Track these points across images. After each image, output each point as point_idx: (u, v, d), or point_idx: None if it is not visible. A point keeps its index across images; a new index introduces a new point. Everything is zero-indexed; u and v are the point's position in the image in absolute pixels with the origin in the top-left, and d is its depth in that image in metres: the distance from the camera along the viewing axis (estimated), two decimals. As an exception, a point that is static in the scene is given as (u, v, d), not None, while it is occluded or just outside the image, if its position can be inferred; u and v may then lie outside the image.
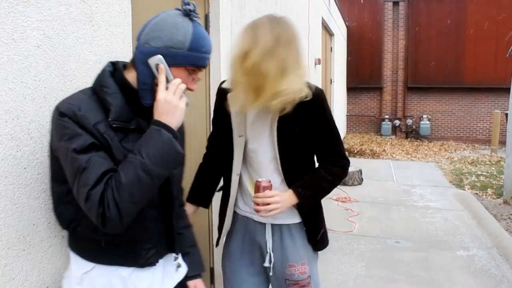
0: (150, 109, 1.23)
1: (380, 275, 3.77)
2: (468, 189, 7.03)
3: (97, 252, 1.27)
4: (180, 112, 1.21)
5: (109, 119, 1.18)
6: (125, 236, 1.25)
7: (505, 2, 12.66)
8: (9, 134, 1.24)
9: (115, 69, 1.28)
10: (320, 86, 1.93)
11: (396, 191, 6.80)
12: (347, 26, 13.59)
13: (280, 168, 1.76)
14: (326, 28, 8.38)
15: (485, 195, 6.64)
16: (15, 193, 1.26)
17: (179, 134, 1.25)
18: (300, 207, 1.79)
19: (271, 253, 1.83)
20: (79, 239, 1.28)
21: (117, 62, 1.31)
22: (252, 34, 1.58)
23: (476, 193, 6.73)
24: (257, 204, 1.67)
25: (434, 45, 13.42)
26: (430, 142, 13.23)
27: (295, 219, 1.83)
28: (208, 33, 2.80)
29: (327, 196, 1.91)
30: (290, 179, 1.77)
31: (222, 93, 1.82)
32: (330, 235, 2.00)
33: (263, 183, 1.67)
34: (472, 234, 4.89)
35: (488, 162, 9.61)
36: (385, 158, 9.93)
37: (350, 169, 6.45)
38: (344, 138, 12.36)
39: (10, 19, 1.23)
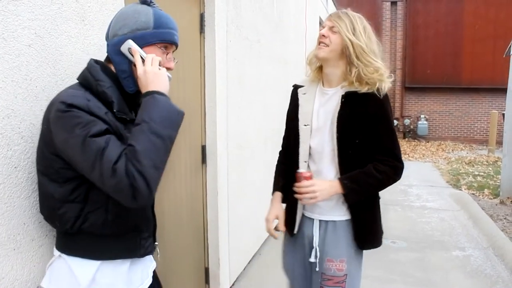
0: (136, 100, 1.29)
1: (375, 275, 3.77)
2: (465, 189, 7.04)
3: (102, 248, 1.26)
4: (163, 78, 1.24)
5: (114, 110, 1.22)
6: (130, 225, 1.30)
7: (502, 2, 12.69)
8: (0, 134, 1.24)
9: (102, 65, 1.29)
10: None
11: (392, 191, 6.80)
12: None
13: (337, 160, 1.81)
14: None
15: (482, 195, 6.64)
16: (6, 192, 1.26)
17: None
18: (350, 205, 1.83)
19: (317, 248, 1.87)
20: (83, 238, 1.25)
21: (98, 60, 1.32)
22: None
23: (473, 193, 6.74)
24: (300, 193, 1.79)
25: (432, 45, 13.44)
26: (428, 142, 13.25)
27: (343, 216, 1.86)
28: (203, 32, 2.81)
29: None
30: (345, 173, 1.81)
31: (295, 93, 1.98)
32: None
33: (303, 174, 1.78)
34: (468, 234, 4.90)
35: (485, 162, 9.63)
36: (383, 158, 9.92)
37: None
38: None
39: (1, 18, 1.22)
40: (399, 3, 13.84)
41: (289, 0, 5.10)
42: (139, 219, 1.32)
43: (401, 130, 13.96)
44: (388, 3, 13.92)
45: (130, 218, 1.28)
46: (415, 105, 14.00)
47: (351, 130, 1.78)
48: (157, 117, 1.15)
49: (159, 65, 1.27)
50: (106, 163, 1.09)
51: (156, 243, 1.46)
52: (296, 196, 1.82)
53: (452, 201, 6.30)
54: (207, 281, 3.12)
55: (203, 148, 2.95)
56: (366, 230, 1.87)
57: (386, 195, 6.50)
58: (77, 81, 1.27)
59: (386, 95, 1.80)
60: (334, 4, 9.12)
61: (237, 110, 3.42)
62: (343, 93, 1.80)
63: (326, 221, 1.87)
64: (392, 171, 1.80)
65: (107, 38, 1.31)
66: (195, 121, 2.84)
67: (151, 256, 1.47)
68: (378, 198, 1.93)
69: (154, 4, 1.31)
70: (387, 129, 1.79)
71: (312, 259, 1.88)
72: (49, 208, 1.25)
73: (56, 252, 1.29)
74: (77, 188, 1.20)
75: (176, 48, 1.38)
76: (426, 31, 13.50)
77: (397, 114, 14.03)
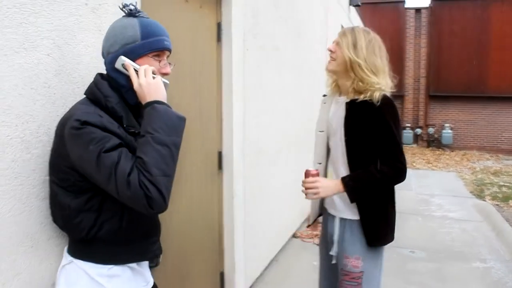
0: (140, 112, 1.34)
1: (392, 284, 3.73)
2: (489, 200, 6.89)
3: (115, 253, 1.33)
4: (158, 87, 1.29)
5: (125, 125, 1.27)
6: (141, 231, 1.37)
7: (531, 9, 12.41)
8: (19, 137, 1.31)
9: (108, 81, 1.34)
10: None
11: (413, 200, 6.72)
12: (368, 34, 13.49)
13: (347, 162, 1.99)
14: (345, 36, 8.32)
15: (507, 207, 6.49)
16: (24, 193, 1.34)
17: None
18: (359, 204, 1.97)
19: (336, 243, 2.05)
20: (95, 244, 1.30)
21: (103, 74, 1.37)
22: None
23: (497, 204, 6.59)
24: (306, 188, 1.96)
25: (457, 52, 13.23)
26: (452, 151, 13.01)
27: (356, 216, 2.00)
28: (220, 40, 2.87)
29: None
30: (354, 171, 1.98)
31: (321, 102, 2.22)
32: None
33: (311, 172, 1.96)
34: (490, 246, 4.79)
35: (511, 173, 9.39)
36: (405, 167, 9.82)
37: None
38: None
39: (22, 29, 1.31)
40: (423, 11, 13.70)
41: (310, 9, 5.15)
42: (148, 225, 1.39)
43: (425, 139, 13.75)
44: (413, 11, 13.80)
45: (141, 224, 1.35)
46: (439, 113, 13.78)
47: (356, 134, 1.94)
48: (158, 126, 1.20)
49: (154, 74, 1.31)
50: (120, 176, 1.14)
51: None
52: (302, 190, 1.99)
53: (475, 212, 6.18)
54: (222, 285, 3.16)
55: (220, 154, 3.01)
56: (372, 228, 1.98)
57: (406, 204, 6.45)
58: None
59: (385, 102, 1.90)
60: (358, 12, 9.11)
61: (255, 117, 3.47)
62: (347, 101, 1.98)
63: (345, 219, 2.03)
64: (392, 171, 1.91)
65: (103, 56, 1.36)
66: (212, 128, 2.90)
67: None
68: (389, 200, 2.04)
69: (140, 14, 1.34)
70: (386, 133, 1.89)
71: (331, 252, 2.07)
72: (64, 217, 1.31)
73: (68, 258, 1.34)
74: (92, 198, 1.26)
75: (170, 53, 1.41)
76: (451, 38, 13.29)
77: (421, 122, 13.83)
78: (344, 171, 2.02)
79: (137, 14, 1.34)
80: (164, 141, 1.19)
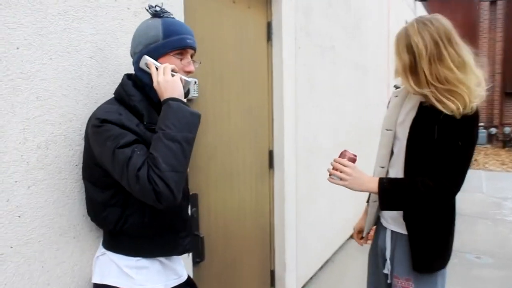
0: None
1: (454, 292, 3.53)
2: None
3: (142, 247, 1.39)
4: (176, 84, 1.31)
5: (145, 122, 1.32)
6: (166, 226, 1.41)
7: None
8: (63, 135, 1.41)
9: (133, 80, 1.40)
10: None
11: (484, 204, 6.29)
12: (439, 29, 12.81)
13: (403, 167, 1.72)
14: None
15: None
16: (67, 187, 1.44)
17: None
18: (405, 219, 1.73)
19: (389, 260, 1.83)
20: (123, 237, 1.38)
21: (131, 74, 1.43)
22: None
23: None
24: (333, 168, 1.68)
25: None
26: (533, 152, 12.01)
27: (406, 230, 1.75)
28: (271, 40, 2.88)
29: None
30: None
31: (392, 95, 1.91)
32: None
33: (348, 153, 1.69)
34: None
35: None
36: (476, 169, 9.30)
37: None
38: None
39: (66, 34, 1.40)
40: (499, 3, 12.78)
41: (370, 5, 5.00)
42: (174, 220, 1.43)
43: (500, 139, 12.82)
44: (487, 3, 12.91)
45: (166, 219, 1.39)
46: (517, 112, 12.81)
47: (419, 142, 1.66)
48: (170, 122, 1.23)
49: (175, 72, 1.34)
50: (131, 171, 1.20)
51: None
52: (328, 170, 1.70)
53: (556, 218, 5.66)
54: (272, 283, 3.17)
55: (271, 153, 3.02)
56: (421, 249, 1.71)
57: (476, 208, 6.06)
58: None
59: (467, 116, 1.57)
60: (424, 6, 8.70)
61: (307, 115, 3.44)
62: (423, 100, 1.68)
63: (397, 233, 1.80)
64: (438, 190, 1.60)
65: (131, 56, 1.42)
66: (262, 127, 2.92)
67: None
68: (444, 218, 1.73)
69: (164, 14, 1.38)
70: (452, 150, 1.59)
71: (385, 271, 1.85)
72: (94, 211, 1.40)
73: (102, 250, 1.43)
74: (117, 194, 1.33)
75: (195, 51, 1.43)
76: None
77: (495, 121, 12.91)
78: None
79: (162, 15, 1.38)
80: (175, 137, 1.22)
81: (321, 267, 3.97)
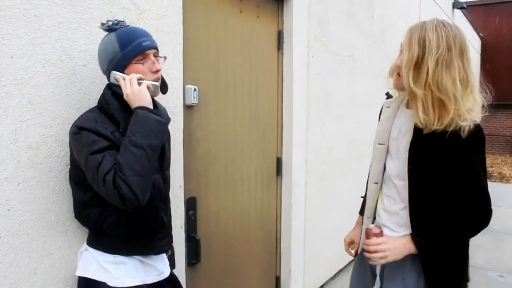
0: None
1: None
2: None
3: (118, 246, 1.49)
4: (142, 94, 1.39)
5: (120, 129, 1.42)
6: (143, 227, 1.49)
7: None
8: (54, 137, 1.53)
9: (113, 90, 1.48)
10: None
11: (513, 219, 6.04)
12: (480, 38, 12.40)
13: (407, 199, 1.63)
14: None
15: None
16: (57, 184, 1.55)
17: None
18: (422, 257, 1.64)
19: (378, 276, 1.78)
20: (103, 236, 1.49)
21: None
22: (420, 38, 1.54)
23: None
24: (368, 252, 1.63)
25: None
26: None
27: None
28: (281, 48, 2.94)
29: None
30: (414, 209, 1.63)
31: (384, 105, 1.84)
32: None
33: (373, 230, 1.63)
34: None
35: None
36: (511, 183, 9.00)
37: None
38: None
39: (60, 44, 1.52)
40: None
41: (394, 13, 4.94)
42: (151, 222, 1.51)
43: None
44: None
45: (141, 221, 1.47)
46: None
47: (425, 166, 1.57)
48: (136, 130, 1.32)
49: (141, 79, 1.42)
50: (99, 175, 1.30)
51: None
52: (365, 254, 1.66)
53: None
54: (277, 289, 3.21)
55: (278, 160, 3.07)
56: (438, 278, 1.62)
57: (508, 224, 5.81)
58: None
59: (473, 132, 1.51)
60: (465, 15, 8.45)
61: (320, 124, 3.46)
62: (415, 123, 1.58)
63: None
64: (473, 218, 1.55)
65: (104, 74, 1.51)
66: (271, 134, 2.97)
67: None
68: (457, 249, 1.66)
69: (117, 26, 1.44)
70: (470, 170, 1.52)
71: (375, 287, 1.82)
72: (77, 209, 1.52)
73: (85, 245, 1.55)
74: (97, 195, 1.42)
75: (156, 49, 1.49)
76: None
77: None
78: (397, 203, 1.68)
79: (115, 28, 1.45)
80: (140, 144, 1.31)
81: (333, 277, 3.96)
